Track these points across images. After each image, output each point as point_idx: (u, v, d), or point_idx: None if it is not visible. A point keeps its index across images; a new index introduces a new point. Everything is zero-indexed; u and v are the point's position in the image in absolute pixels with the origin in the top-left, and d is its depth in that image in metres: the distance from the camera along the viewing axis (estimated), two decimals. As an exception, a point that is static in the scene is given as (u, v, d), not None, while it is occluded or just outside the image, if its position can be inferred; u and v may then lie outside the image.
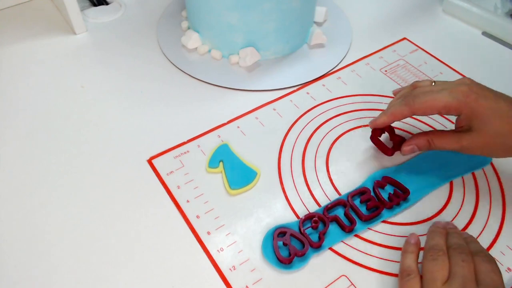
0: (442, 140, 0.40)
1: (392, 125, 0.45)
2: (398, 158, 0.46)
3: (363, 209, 0.41)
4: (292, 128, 0.49)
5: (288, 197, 0.43)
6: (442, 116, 0.50)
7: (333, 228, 0.40)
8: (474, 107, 0.38)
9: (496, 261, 0.35)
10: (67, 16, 0.58)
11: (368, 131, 0.48)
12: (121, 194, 0.43)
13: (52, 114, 0.50)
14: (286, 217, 0.41)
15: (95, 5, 0.64)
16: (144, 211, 0.41)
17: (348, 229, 0.39)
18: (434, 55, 0.58)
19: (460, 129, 0.40)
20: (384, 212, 0.41)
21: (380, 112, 0.44)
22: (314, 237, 0.39)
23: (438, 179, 0.44)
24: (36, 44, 0.58)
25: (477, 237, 0.40)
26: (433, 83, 0.41)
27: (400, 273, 0.36)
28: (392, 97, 0.45)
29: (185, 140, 0.47)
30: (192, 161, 0.45)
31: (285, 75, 0.54)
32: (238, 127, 0.49)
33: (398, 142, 0.44)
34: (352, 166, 0.45)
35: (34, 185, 0.43)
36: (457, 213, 0.42)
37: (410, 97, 0.40)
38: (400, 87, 0.46)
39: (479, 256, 0.35)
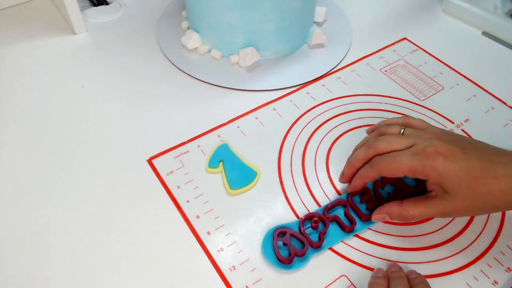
0: (417, 209, 0.37)
1: None
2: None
3: (363, 209, 0.41)
4: (292, 128, 0.49)
5: (288, 197, 0.43)
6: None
7: (333, 228, 0.40)
8: (442, 171, 0.35)
9: None
10: (67, 16, 0.58)
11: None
12: (121, 194, 0.43)
13: (52, 114, 0.50)
14: (286, 217, 0.41)
15: (95, 5, 0.64)
16: (144, 211, 0.41)
17: (348, 229, 0.39)
18: (434, 55, 0.58)
19: (435, 194, 0.36)
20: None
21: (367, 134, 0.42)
22: (314, 237, 0.39)
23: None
24: (36, 44, 0.58)
25: (477, 237, 0.40)
26: (402, 131, 0.39)
27: None
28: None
29: (185, 140, 0.47)
30: (192, 161, 0.45)
31: (285, 75, 0.54)
32: (238, 127, 0.49)
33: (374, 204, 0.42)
34: (352, 166, 0.45)
35: (34, 185, 0.43)
36: (457, 213, 0.42)
37: (377, 160, 0.38)
38: (373, 126, 0.44)
39: None
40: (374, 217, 0.39)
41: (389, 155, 0.37)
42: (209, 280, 0.37)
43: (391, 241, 0.40)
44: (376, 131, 0.42)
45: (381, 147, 0.38)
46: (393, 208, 0.38)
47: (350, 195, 0.42)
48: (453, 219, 0.41)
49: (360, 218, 0.40)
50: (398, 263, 0.38)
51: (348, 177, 0.41)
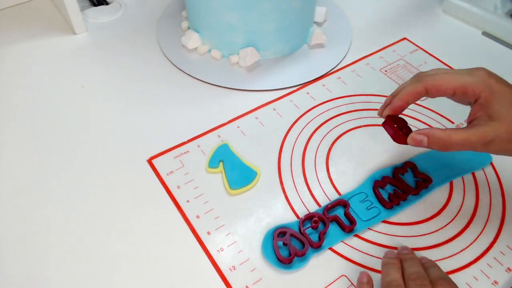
0: (460, 135, 0.34)
1: None
2: (398, 158, 0.46)
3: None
4: (292, 128, 0.49)
5: (288, 197, 0.43)
6: (441, 117, 0.50)
7: (333, 228, 0.40)
8: (495, 90, 0.34)
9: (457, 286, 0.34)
10: (67, 16, 0.58)
11: (368, 131, 0.49)
12: (121, 194, 0.43)
13: (52, 114, 0.50)
14: (286, 217, 0.41)
15: (95, 5, 0.64)
16: (144, 211, 0.41)
17: (348, 229, 0.39)
18: (434, 55, 0.58)
19: (477, 123, 0.35)
20: (384, 212, 0.41)
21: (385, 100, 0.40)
22: (314, 237, 0.39)
23: (438, 179, 0.44)
24: (36, 44, 0.58)
25: (477, 237, 0.40)
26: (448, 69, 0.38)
27: (385, 286, 0.34)
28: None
29: (185, 140, 0.47)
30: (192, 161, 0.45)
31: (285, 75, 0.54)
32: (238, 127, 0.49)
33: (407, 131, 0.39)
34: (352, 166, 0.45)
35: (34, 185, 0.43)
36: (457, 213, 0.42)
37: (422, 75, 0.36)
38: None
39: (440, 285, 0.33)
40: (411, 138, 0.36)
41: (441, 73, 0.36)
42: (209, 280, 0.37)
43: (391, 241, 0.40)
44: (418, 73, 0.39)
45: (429, 73, 0.37)
46: (435, 131, 0.35)
47: (389, 119, 0.39)
48: (453, 219, 0.41)
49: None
50: (407, 247, 0.38)
51: (390, 103, 0.38)
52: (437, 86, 0.36)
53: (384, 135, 0.47)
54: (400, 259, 0.36)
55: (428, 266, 0.35)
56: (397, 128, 0.39)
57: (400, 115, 0.39)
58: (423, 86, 0.36)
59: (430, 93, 0.36)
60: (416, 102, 0.51)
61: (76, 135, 0.48)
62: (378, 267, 0.38)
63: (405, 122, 0.39)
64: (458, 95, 0.36)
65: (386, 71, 0.56)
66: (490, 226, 0.41)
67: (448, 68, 0.38)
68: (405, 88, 0.38)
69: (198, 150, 0.46)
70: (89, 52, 0.58)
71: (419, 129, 0.37)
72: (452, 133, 0.35)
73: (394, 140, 0.39)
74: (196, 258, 0.38)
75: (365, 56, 0.58)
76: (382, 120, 0.40)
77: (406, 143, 0.38)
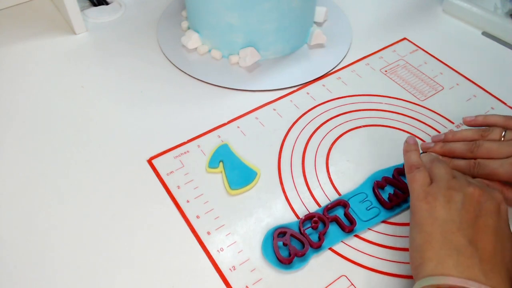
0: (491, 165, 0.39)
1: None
2: (398, 158, 0.46)
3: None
4: (292, 128, 0.49)
5: (288, 197, 0.43)
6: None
7: (333, 228, 0.40)
8: None
9: None
10: (67, 16, 0.58)
11: (368, 131, 0.49)
12: (121, 194, 0.43)
13: (52, 114, 0.50)
14: (286, 217, 0.41)
15: (95, 5, 0.64)
16: (144, 211, 0.42)
17: (348, 229, 0.39)
18: (434, 55, 0.58)
19: None
20: (384, 212, 0.41)
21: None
22: (314, 237, 0.39)
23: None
24: (36, 44, 0.58)
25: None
26: (503, 136, 0.40)
27: (408, 168, 0.38)
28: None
29: (185, 140, 0.47)
30: (192, 161, 0.45)
31: (285, 75, 0.54)
32: (238, 127, 0.49)
33: None
34: (352, 166, 0.45)
35: (33, 185, 0.43)
36: (457, 213, 0.42)
37: (474, 164, 0.40)
38: (472, 118, 0.45)
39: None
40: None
41: (487, 166, 0.39)
42: (209, 280, 0.37)
43: (391, 241, 0.40)
44: (477, 131, 0.42)
45: (480, 155, 0.40)
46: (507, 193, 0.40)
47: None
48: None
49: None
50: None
51: (436, 151, 0.43)
52: (483, 177, 0.39)
53: (384, 135, 0.48)
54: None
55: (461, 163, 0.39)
56: None
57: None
58: (471, 174, 0.40)
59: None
60: (416, 102, 0.52)
61: (76, 135, 0.48)
62: (378, 267, 0.38)
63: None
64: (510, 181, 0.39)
65: (386, 71, 0.56)
66: (490, 226, 0.41)
67: (503, 130, 0.41)
68: (457, 161, 0.42)
69: (198, 150, 0.46)
70: (89, 52, 0.58)
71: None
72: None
73: None
74: (196, 258, 0.38)
75: (365, 56, 0.58)
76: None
77: None
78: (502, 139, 0.40)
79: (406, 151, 0.41)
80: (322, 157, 0.46)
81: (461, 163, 0.41)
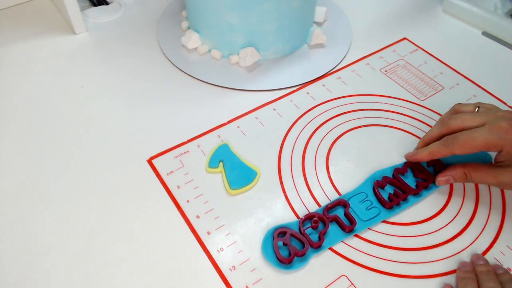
0: (480, 174, 0.40)
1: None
2: (398, 158, 0.46)
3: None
4: (292, 128, 0.49)
5: (288, 197, 0.43)
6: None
7: (333, 228, 0.40)
8: None
9: None
10: (67, 16, 0.58)
11: (368, 131, 0.49)
12: (121, 194, 0.43)
13: (52, 114, 0.50)
14: (286, 217, 0.41)
15: (95, 5, 0.64)
16: (144, 211, 0.41)
17: (348, 229, 0.39)
18: (434, 55, 0.58)
19: (499, 164, 0.39)
20: (384, 212, 0.41)
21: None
22: (314, 237, 0.39)
23: (438, 179, 0.44)
24: (36, 44, 0.58)
25: (477, 237, 0.40)
26: (477, 109, 0.41)
27: None
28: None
29: (185, 140, 0.47)
30: (192, 161, 0.45)
31: (285, 75, 0.54)
32: (238, 127, 0.49)
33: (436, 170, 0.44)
34: (352, 166, 0.45)
35: (33, 185, 0.43)
36: (457, 213, 0.42)
37: (449, 138, 0.40)
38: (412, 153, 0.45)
39: None
40: (439, 179, 0.42)
41: (462, 134, 0.39)
42: (209, 280, 0.37)
43: (391, 241, 0.40)
44: (450, 109, 0.44)
45: (454, 125, 0.40)
46: (457, 171, 0.41)
47: (408, 163, 0.44)
48: (453, 219, 0.41)
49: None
50: (483, 256, 0.39)
51: (421, 159, 0.43)
52: (462, 150, 0.39)
53: (384, 135, 0.48)
54: (475, 271, 0.37)
55: (505, 280, 0.36)
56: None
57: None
58: (450, 152, 0.40)
59: (455, 154, 0.40)
60: (416, 102, 0.52)
61: (76, 135, 0.48)
62: (378, 267, 0.38)
63: (437, 161, 0.44)
64: (485, 150, 0.39)
65: (386, 71, 0.56)
66: (490, 226, 0.41)
67: (472, 108, 0.41)
68: (432, 146, 0.42)
69: (198, 150, 0.46)
70: (89, 52, 0.58)
71: (442, 172, 0.42)
72: (472, 172, 0.40)
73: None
74: (196, 258, 0.38)
75: (365, 56, 0.58)
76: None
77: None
78: (476, 112, 0.41)
79: (460, 279, 0.37)
80: (322, 157, 0.46)
81: (436, 143, 0.41)
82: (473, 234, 0.40)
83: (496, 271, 0.37)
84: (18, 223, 0.40)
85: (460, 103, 0.44)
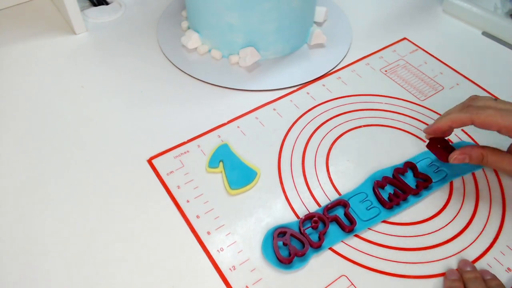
0: (497, 159, 0.40)
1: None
2: (398, 158, 0.46)
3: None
4: (292, 128, 0.49)
5: (288, 197, 0.43)
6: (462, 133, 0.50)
7: (333, 228, 0.40)
8: None
9: None
10: (67, 16, 0.58)
11: (368, 131, 0.49)
12: (121, 194, 0.43)
13: (52, 114, 0.50)
14: (286, 217, 0.41)
15: (95, 5, 0.64)
16: (144, 211, 0.41)
17: (348, 229, 0.39)
18: (434, 55, 0.58)
19: None
20: (384, 212, 0.41)
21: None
22: (314, 237, 0.39)
23: (438, 180, 0.44)
24: (36, 44, 0.58)
25: (477, 238, 0.40)
26: (496, 100, 0.40)
27: None
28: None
29: (185, 140, 0.47)
30: (192, 161, 0.45)
31: (285, 75, 0.54)
32: (238, 127, 0.49)
33: (451, 150, 0.43)
34: (352, 166, 0.45)
35: (33, 185, 0.43)
36: (457, 213, 0.42)
37: (473, 107, 0.39)
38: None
39: None
40: (455, 157, 0.41)
41: (490, 108, 0.38)
42: (209, 280, 0.37)
43: (391, 241, 0.40)
44: (468, 99, 0.42)
45: (478, 105, 0.39)
46: (475, 151, 0.40)
47: (432, 141, 0.43)
48: (453, 219, 0.41)
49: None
50: (470, 262, 0.38)
51: (440, 126, 0.42)
52: (484, 123, 0.38)
53: (384, 135, 0.48)
54: (463, 279, 0.37)
55: (493, 286, 0.35)
56: (440, 148, 0.43)
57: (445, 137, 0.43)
58: (471, 119, 0.39)
59: (475, 125, 0.39)
60: (416, 102, 0.52)
61: (76, 135, 0.48)
62: (378, 267, 0.38)
63: (447, 142, 0.43)
64: (503, 132, 0.38)
65: (386, 71, 0.56)
66: (490, 226, 0.41)
67: (493, 98, 0.40)
68: (452, 113, 0.40)
69: (198, 150, 0.46)
70: (89, 52, 0.58)
71: (460, 149, 0.41)
72: (489, 155, 0.40)
73: (440, 159, 0.43)
74: (196, 258, 0.38)
75: (365, 56, 0.58)
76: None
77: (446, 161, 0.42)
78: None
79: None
80: (322, 157, 0.46)
81: (457, 110, 0.41)
82: (473, 234, 0.40)
83: (484, 277, 0.36)
84: (18, 223, 0.40)
85: (476, 95, 0.43)
